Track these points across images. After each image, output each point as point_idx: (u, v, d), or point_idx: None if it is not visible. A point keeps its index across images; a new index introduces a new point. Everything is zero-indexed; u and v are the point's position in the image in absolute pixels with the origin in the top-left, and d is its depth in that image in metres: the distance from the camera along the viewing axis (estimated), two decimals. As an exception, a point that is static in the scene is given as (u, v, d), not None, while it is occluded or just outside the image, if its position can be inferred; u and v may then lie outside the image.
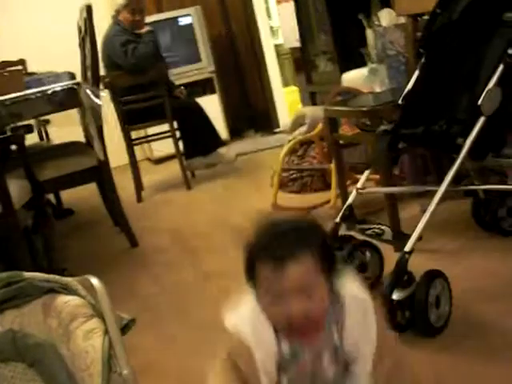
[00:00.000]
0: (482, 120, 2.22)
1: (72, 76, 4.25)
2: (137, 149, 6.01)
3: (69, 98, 3.38)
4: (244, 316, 1.48)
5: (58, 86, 3.41)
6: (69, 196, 5.80)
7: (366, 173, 2.54)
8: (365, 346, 1.45)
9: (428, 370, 1.89)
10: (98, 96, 3.45)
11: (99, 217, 5.04)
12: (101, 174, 3.86)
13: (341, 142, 3.42)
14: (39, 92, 3.36)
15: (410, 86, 2.58)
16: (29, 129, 3.73)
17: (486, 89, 2.23)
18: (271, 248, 1.36)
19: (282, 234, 1.38)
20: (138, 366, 1.32)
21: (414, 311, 2.07)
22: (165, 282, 3.27)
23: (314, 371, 1.48)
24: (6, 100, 3.28)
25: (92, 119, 3.45)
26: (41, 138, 6.09)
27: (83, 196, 5.87)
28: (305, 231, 1.43)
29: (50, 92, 3.35)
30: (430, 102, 2.45)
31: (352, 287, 1.49)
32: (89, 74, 4.00)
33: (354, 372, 1.48)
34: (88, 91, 3.42)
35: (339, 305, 1.46)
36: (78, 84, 3.44)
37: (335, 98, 3.87)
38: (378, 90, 3.43)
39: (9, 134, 3.52)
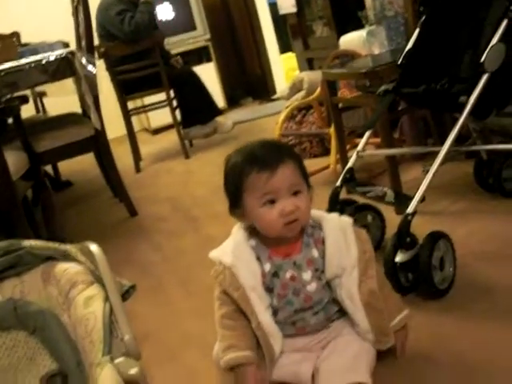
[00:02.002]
0: (485, 77, 2.17)
1: (66, 45, 4.21)
2: (134, 120, 5.96)
3: (63, 67, 3.33)
4: (225, 248, 1.73)
5: (52, 56, 3.36)
6: (67, 168, 5.81)
7: (367, 134, 2.50)
8: (346, 260, 1.67)
9: (433, 333, 1.87)
10: (93, 64, 3.41)
11: (98, 188, 5.04)
12: (98, 143, 3.83)
13: (340, 105, 3.37)
14: (33, 62, 3.30)
15: (410, 45, 2.54)
16: (24, 99, 3.67)
17: (490, 45, 2.18)
18: (263, 159, 1.61)
19: (267, 149, 1.66)
20: (139, 333, 1.30)
21: (418, 273, 2.04)
22: (165, 249, 3.25)
23: (296, 286, 1.68)
24: (-1, 71, 3.24)
25: (87, 88, 3.40)
26: (37, 110, 6.06)
27: (81, 168, 5.88)
28: (283, 147, 1.77)
29: (44, 62, 3.31)
30: (431, 60, 2.41)
31: (331, 215, 1.77)
32: (83, 43, 3.96)
33: (336, 286, 1.69)
34: (83, 60, 3.37)
35: (318, 226, 1.72)
36: (72, 53, 3.38)
37: (333, 62, 3.82)
38: (376, 52, 3.38)
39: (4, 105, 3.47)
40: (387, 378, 1.69)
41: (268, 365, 1.68)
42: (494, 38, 2.19)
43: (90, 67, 3.38)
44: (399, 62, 2.48)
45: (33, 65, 3.26)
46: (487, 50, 2.17)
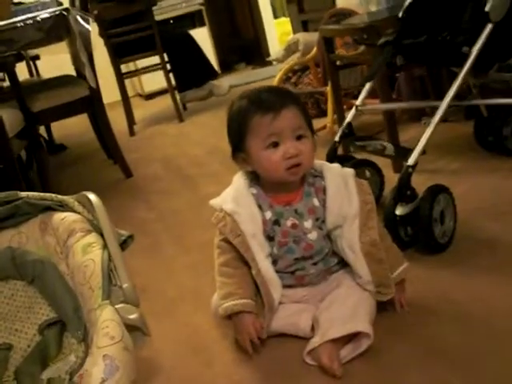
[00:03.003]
0: (489, 27, 2.13)
1: (60, 4, 4.14)
2: (127, 85, 5.88)
3: (58, 24, 3.28)
4: (226, 195, 1.74)
5: (47, 13, 3.31)
6: (61, 133, 5.77)
7: (366, 87, 2.46)
8: (348, 209, 1.67)
9: (433, 287, 1.86)
10: (87, 21, 3.37)
11: (92, 151, 5.03)
12: (93, 103, 3.79)
13: (338, 63, 3.33)
14: (28, 19, 3.26)
15: (410, -1, 2.49)
16: (19, 57, 3.62)
17: (495, -7, 2.14)
18: (267, 102, 1.63)
19: (272, 93, 1.68)
20: (136, 287, 1.29)
21: (418, 227, 2.02)
22: (161, 208, 3.23)
23: (296, 234, 1.69)
24: (-7, 28, 3.20)
25: (82, 46, 3.36)
26: (31, 74, 6.02)
27: (75, 132, 5.86)
28: (287, 92, 1.76)
29: (39, 18, 3.26)
30: (433, 14, 2.35)
31: (333, 165, 1.77)
32: (76, 3, 3.90)
33: (337, 236, 1.69)
34: (77, 17, 3.33)
35: (319, 175, 1.72)
36: (67, 10, 3.33)
37: (330, 20, 3.77)
38: (374, 10, 3.33)
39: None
40: (388, 328, 1.67)
41: (267, 314, 1.67)
42: (499, -13, 2.14)
43: (84, 23, 3.33)
44: (400, 15, 2.43)
45: (28, 22, 3.21)
46: (492, -1, 2.13)
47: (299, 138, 1.64)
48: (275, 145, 1.63)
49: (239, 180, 1.75)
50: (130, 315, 1.22)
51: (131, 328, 1.19)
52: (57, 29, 3.30)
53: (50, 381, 1.40)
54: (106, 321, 1.12)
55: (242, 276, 1.69)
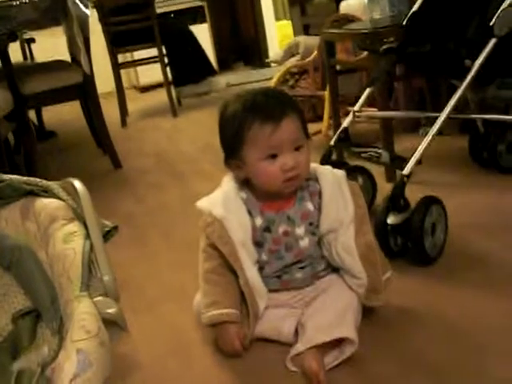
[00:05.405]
0: (492, 41, 2.11)
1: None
2: (123, 77, 5.83)
3: (56, 6, 3.23)
4: (215, 198, 1.67)
5: (45, -7, 3.26)
6: (52, 119, 5.71)
7: (366, 93, 2.42)
8: (344, 213, 1.63)
9: (422, 299, 1.83)
10: (85, 5, 3.31)
11: (82, 139, 4.98)
12: (86, 91, 3.74)
13: (337, 68, 3.29)
14: (25, -3, 3.21)
15: (416, 7, 2.46)
16: (12, 37, 3.55)
17: (501, 8, 2.11)
18: (266, 110, 1.55)
19: (270, 98, 1.59)
20: (118, 281, 1.24)
21: (409, 237, 1.99)
22: (149, 202, 3.19)
23: (288, 241, 1.65)
24: (-12, 5, 3.14)
25: (79, 30, 3.31)
26: (25, 57, 5.94)
27: (67, 120, 5.79)
28: (285, 97, 1.67)
29: (36, -1, 3.21)
30: (437, 23, 2.33)
31: (325, 167, 1.72)
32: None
33: (331, 240, 1.64)
34: (76, 0, 3.27)
35: (313, 179, 1.67)
36: (66, -8, 3.28)
37: (332, 25, 3.73)
38: (377, 17, 3.30)
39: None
40: (373, 337, 1.64)
41: (252, 321, 1.64)
42: (505, 2, 2.12)
43: (82, 7, 3.28)
44: (404, 23, 2.40)
45: (24, 0, 3.14)
46: (497, 13, 2.10)
47: (297, 148, 1.59)
48: (273, 156, 1.57)
49: (228, 183, 1.69)
50: (109, 309, 1.17)
51: (108, 323, 1.14)
52: (54, 10, 3.25)
53: (21, 372, 1.34)
54: (83, 313, 1.08)
55: (228, 284, 1.65)
